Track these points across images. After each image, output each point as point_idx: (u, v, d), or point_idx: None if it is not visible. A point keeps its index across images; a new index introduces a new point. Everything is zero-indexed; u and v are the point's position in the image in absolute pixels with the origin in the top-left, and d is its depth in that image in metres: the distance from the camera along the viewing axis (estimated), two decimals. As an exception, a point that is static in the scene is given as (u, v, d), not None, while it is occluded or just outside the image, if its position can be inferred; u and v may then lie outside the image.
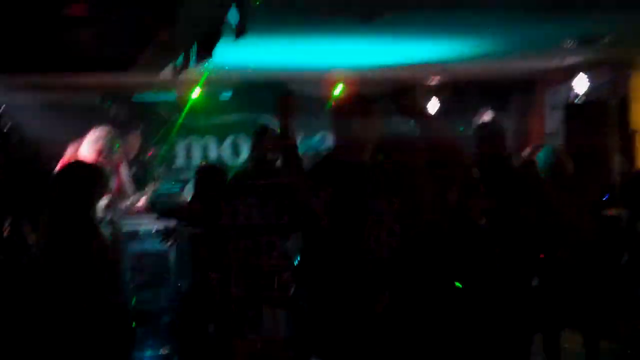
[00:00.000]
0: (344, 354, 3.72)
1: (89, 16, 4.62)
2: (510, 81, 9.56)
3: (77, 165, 4.85)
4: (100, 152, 6.58)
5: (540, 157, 6.04)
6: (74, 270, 4.16)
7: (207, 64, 5.18)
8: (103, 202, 6.45)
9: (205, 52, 4.95)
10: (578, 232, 5.88)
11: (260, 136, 5.72)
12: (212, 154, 9.16)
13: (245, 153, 8.57)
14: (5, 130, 6.46)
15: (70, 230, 4.20)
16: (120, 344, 4.44)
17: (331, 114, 4.08)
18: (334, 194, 3.69)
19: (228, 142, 9.18)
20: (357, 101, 4.00)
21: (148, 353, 6.34)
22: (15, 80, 7.23)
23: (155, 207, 5.99)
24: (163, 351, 6.36)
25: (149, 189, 7.74)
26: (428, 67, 8.04)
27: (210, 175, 4.95)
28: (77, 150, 6.86)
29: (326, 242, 3.70)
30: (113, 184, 6.53)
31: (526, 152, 7.25)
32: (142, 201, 7.54)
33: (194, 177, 5.01)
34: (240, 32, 4.19)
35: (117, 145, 6.94)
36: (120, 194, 6.68)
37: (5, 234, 6.09)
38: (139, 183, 7.94)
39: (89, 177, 4.39)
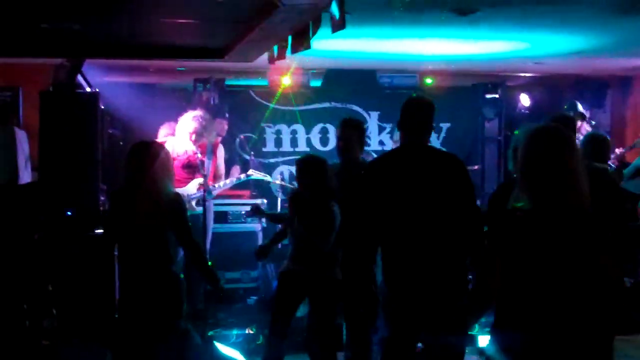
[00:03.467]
0: None
1: (189, 5, 4.69)
2: (607, 78, 9.33)
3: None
4: (195, 134, 6.70)
5: None
6: None
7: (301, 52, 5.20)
8: (195, 181, 6.62)
9: (302, 42, 4.97)
10: None
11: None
12: (301, 140, 9.21)
13: (332, 142, 8.62)
14: (100, 110, 6.64)
15: None
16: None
17: None
18: None
19: (317, 129, 9.23)
20: None
21: (234, 332, 6.45)
22: (112, 63, 7.44)
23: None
24: (248, 331, 6.46)
25: (237, 173, 7.88)
26: (522, 61, 7.91)
27: (312, 166, 4.93)
28: (170, 131, 7.01)
29: None
30: (209, 165, 6.66)
31: (620, 151, 7.08)
32: (230, 184, 7.69)
33: (296, 167, 5.03)
34: (338, 26, 4.20)
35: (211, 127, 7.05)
36: (215, 175, 6.82)
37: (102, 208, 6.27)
38: (227, 167, 8.09)
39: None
